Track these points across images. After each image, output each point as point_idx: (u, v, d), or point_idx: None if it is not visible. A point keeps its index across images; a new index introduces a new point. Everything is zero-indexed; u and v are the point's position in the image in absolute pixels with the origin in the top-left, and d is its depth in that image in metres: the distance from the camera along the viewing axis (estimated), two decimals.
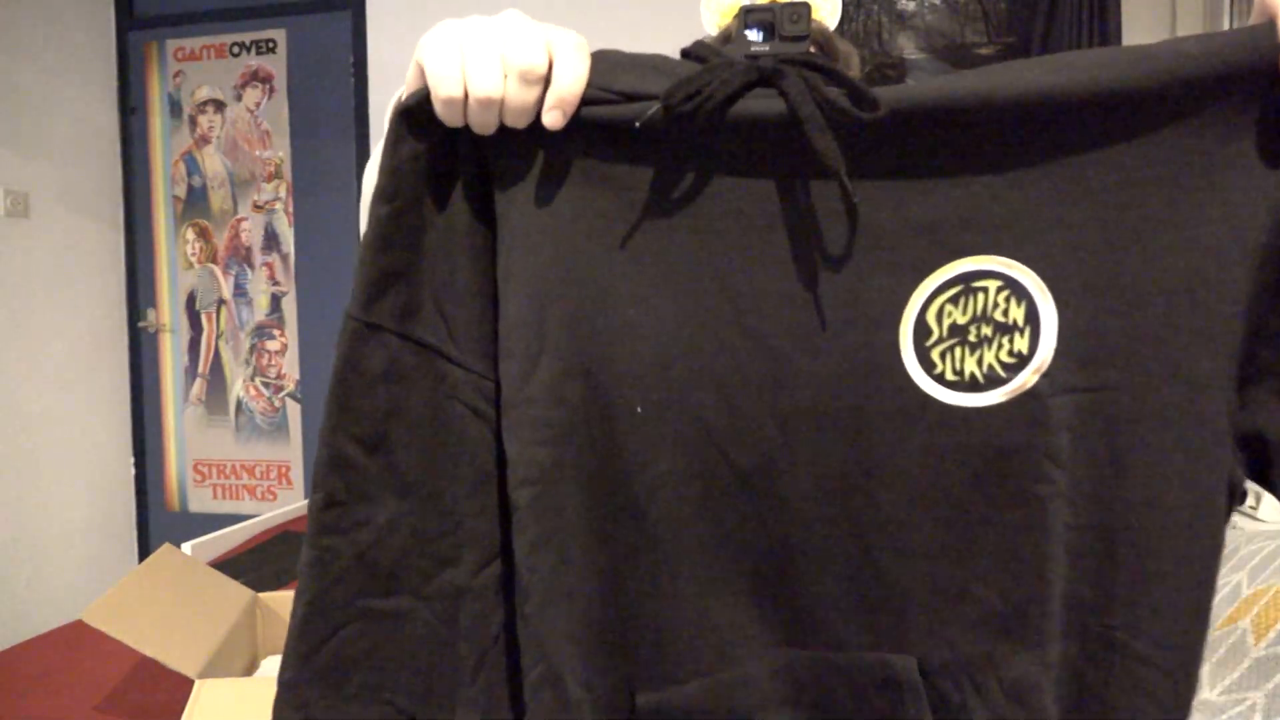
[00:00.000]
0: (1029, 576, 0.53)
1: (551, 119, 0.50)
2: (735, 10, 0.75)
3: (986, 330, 0.52)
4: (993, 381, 0.52)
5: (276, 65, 2.94)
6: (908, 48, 2.45)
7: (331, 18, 2.87)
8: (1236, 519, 1.58)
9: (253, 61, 2.96)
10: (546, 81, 0.50)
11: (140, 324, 3.08)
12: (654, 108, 0.50)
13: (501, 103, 0.50)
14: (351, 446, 0.56)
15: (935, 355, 0.52)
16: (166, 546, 1.28)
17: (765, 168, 0.53)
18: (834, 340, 0.53)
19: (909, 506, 0.54)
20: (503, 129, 0.52)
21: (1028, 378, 0.52)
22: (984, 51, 2.41)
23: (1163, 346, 0.51)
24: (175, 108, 3.02)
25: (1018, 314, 0.51)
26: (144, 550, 3.13)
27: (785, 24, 0.55)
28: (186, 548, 1.88)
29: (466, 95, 0.50)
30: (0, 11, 2.63)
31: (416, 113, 0.52)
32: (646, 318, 0.54)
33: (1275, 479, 0.54)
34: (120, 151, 3.06)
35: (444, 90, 0.50)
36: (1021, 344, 0.52)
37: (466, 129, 0.52)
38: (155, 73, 3.03)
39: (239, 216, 2.99)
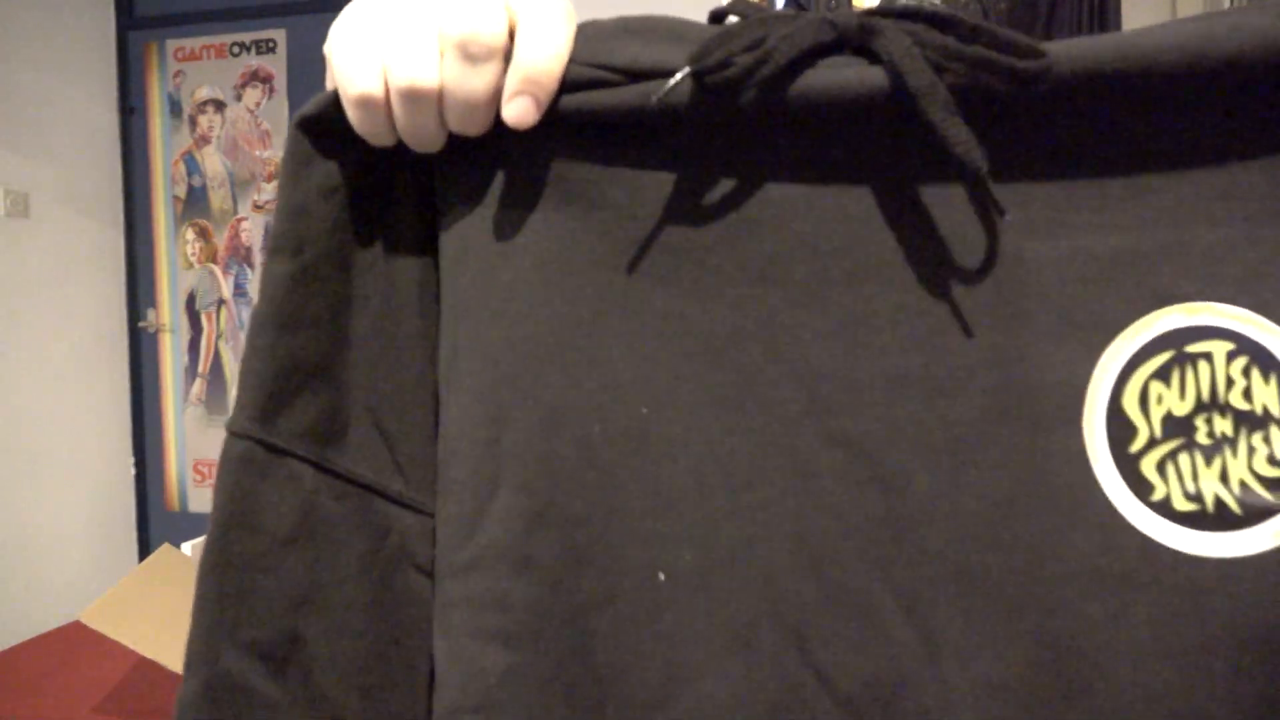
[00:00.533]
0: None
1: (517, 110, 0.32)
2: None
3: (1224, 425, 0.32)
4: (1255, 511, 0.31)
5: (276, 65, 2.94)
6: None
7: (331, 18, 2.82)
8: None
9: (253, 61, 2.95)
10: (508, 60, 0.33)
11: (140, 324, 3.08)
12: (677, 78, 0.31)
13: (440, 95, 0.33)
14: (244, 662, 0.34)
15: (1149, 469, 0.32)
16: (166, 546, 1.28)
17: (851, 176, 0.34)
18: (982, 449, 0.33)
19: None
20: (455, 144, 0.35)
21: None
22: None
23: None
24: (175, 108, 3.02)
25: (1268, 397, 0.32)
26: (144, 550, 3.13)
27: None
28: (186, 548, 1.88)
29: (389, 91, 0.33)
30: (0, 11, 2.63)
31: (325, 125, 0.35)
32: (669, 423, 0.34)
33: None
34: (120, 151, 3.06)
35: (355, 86, 0.33)
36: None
37: (405, 148, 0.35)
38: (155, 73, 3.03)
39: (239, 216, 2.99)
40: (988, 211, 0.32)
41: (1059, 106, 0.32)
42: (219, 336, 3.04)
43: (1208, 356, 0.32)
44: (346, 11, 0.36)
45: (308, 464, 0.36)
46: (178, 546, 1.39)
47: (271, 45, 2.94)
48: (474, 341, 0.35)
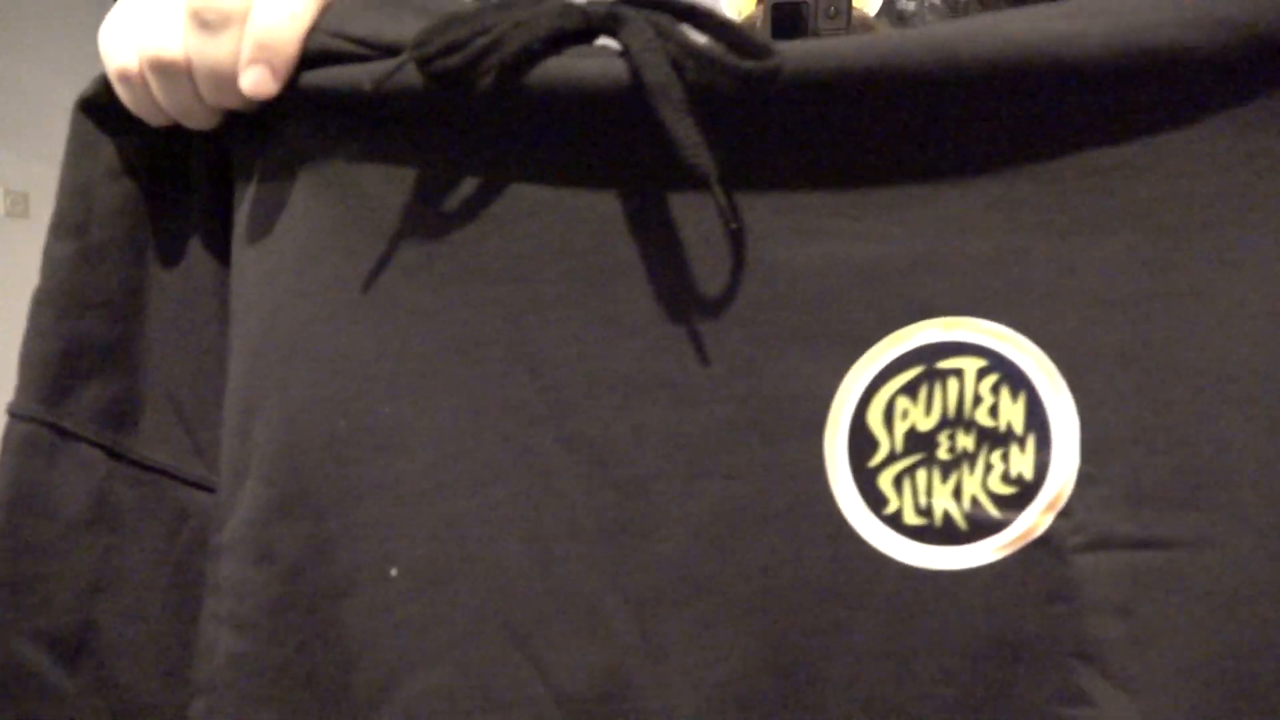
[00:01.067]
0: None
1: (252, 79, 0.31)
2: None
3: (966, 441, 0.31)
4: (981, 527, 0.31)
5: None
6: None
7: None
8: None
9: None
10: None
11: None
12: (396, 62, 0.30)
13: (190, 67, 0.32)
14: (33, 652, 0.34)
15: (885, 484, 0.32)
16: None
17: (602, 174, 0.33)
18: (721, 458, 0.32)
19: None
20: (241, 125, 0.34)
21: (1036, 519, 0.31)
22: None
23: (1274, 469, 0.30)
24: None
25: (1014, 415, 0.31)
26: None
27: (820, 18, 0.38)
28: None
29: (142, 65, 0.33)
30: (0, 12, 2.63)
31: (106, 107, 0.35)
32: (411, 419, 0.33)
33: None
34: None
35: (113, 62, 0.34)
36: (1023, 464, 0.31)
37: (199, 136, 0.35)
38: None
39: None
40: (727, 218, 0.31)
41: (816, 110, 0.31)
42: None
43: (958, 373, 0.31)
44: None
45: (100, 449, 0.35)
46: None
47: None
48: (239, 330, 0.35)
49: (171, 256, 0.37)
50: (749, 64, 0.29)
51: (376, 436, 0.33)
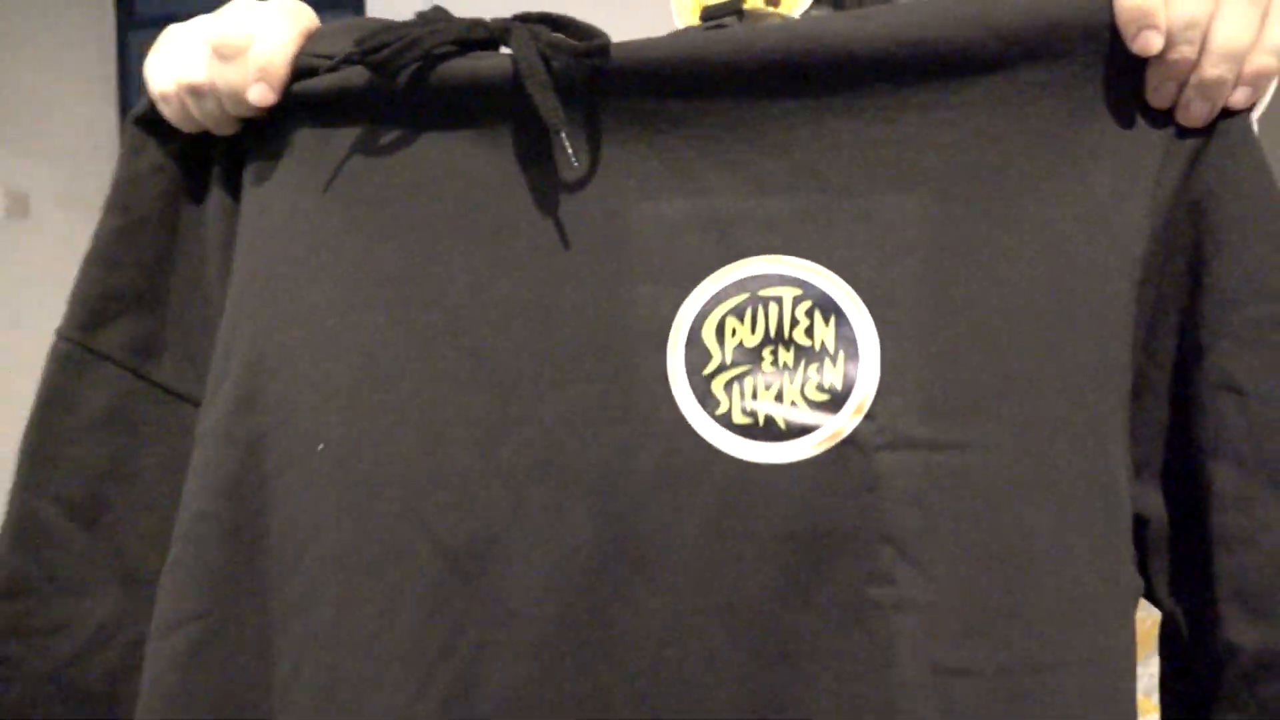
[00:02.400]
0: None
1: (256, 93, 0.44)
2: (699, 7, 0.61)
3: (786, 356, 0.38)
4: (798, 427, 0.37)
5: None
6: None
7: (331, 17, 2.85)
8: None
9: None
10: None
11: None
12: (336, 60, 0.42)
13: (212, 87, 0.45)
14: (52, 510, 0.43)
15: (718, 388, 0.38)
16: None
17: (494, 146, 0.42)
18: (581, 365, 0.40)
19: (693, 620, 0.37)
20: (250, 126, 0.46)
21: (844, 422, 0.37)
22: None
23: (1040, 387, 0.36)
24: None
25: (825, 335, 0.37)
26: None
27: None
28: None
29: (178, 88, 0.46)
30: (0, 12, 2.63)
31: (152, 120, 0.48)
32: (343, 334, 0.42)
33: (1155, 569, 0.41)
34: (120, 152, 3.06)
35: (155, 85, 0.47)
36: (834, 376, 0.37)
37: (223, 140, 0.47)
38: None
39: None
40: (606, 175, 0.41)
41: (661, 93, 0.40)
42: None
43: (778, 300, 0.38)
44: (158, 39, 0.49)
45: (126, 370, 0.46)
46: None
47: None
48: (235, 272, 0.46)
49: (193, 229, 0.48)
50: (581, 45, 0.39)
51: (316, 347, 0.43)
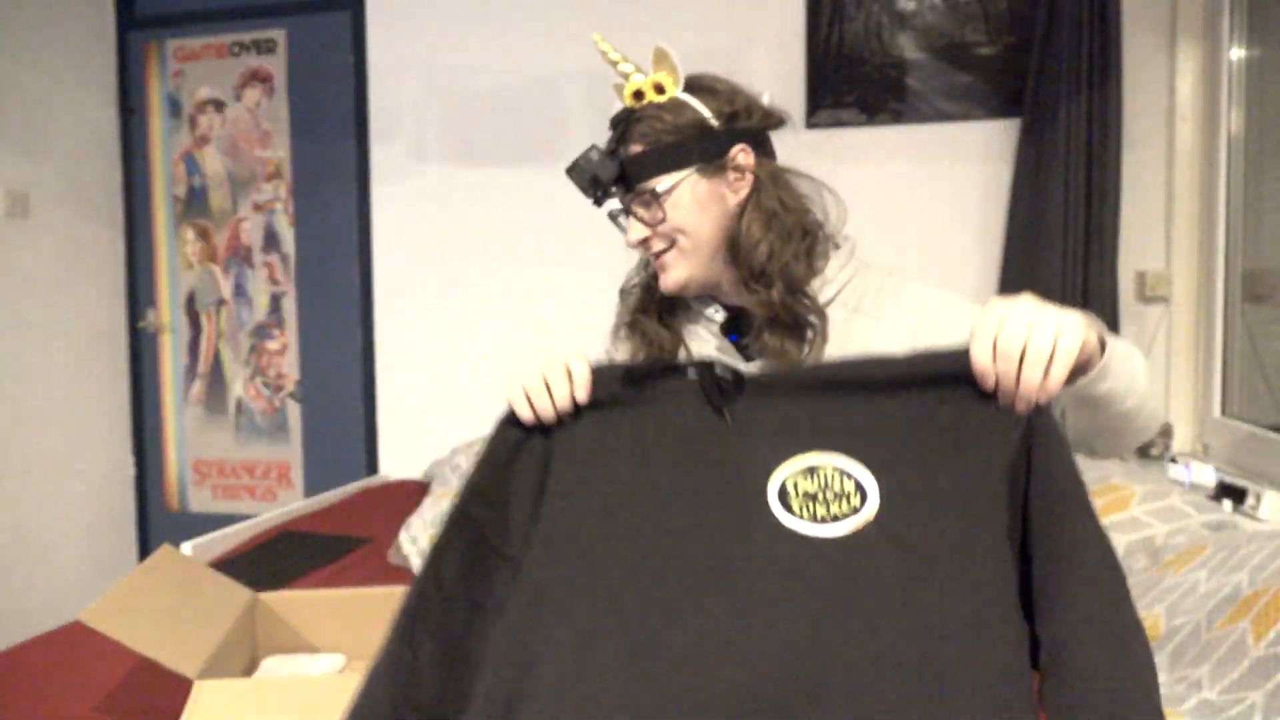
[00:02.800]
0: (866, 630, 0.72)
1: (581, 394, 0.86)
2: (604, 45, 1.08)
3: (829, 495, 0.76)
4: (837, 522, 0.75)
5: (276, 65, 2.94)
6: (908, 47, 2.44)
7: (331, 18, 2.87)
8: (1237, 519, 1.58)
9: (253, 61, 2.95)
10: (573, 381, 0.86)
11: (140, 324, 3.08)
12: (618, 373, 0.87)
13: (553, 404, 0.86)
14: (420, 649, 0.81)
15: (795, 506, 0.77)
16: (166, 546, 1.28)
17: (690, 418, 0.84)
18: (726, 495, 0.79)
19: (777, 589, 0.74)
20: (563, 421, 0.87)
21: (861, 523, 0.74)
22: (984, 51, 2.41)
23: (951, 522, 0.73)
24: (175, 108, 3.02)
25: (850, 487, 0.76)
26: (144, 550, 3.13)
27: (597, 164, 1.02)
28: (186, 548, 1.88)
29: (534, 408, 0.86)
30: (0, 11, 2.63)
31: (512, 418, 0.87)
32: (611, 515, 0.82)
33: (1044, 689, 0.67)
34: (120, 151, 3.06)
35: (522, 414, 0.86)
36: (856, 502, 0.75)
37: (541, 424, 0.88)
38: (155, 73, 3.03)
39: (239, 216, 2.99)
40: (744, 429, 0.82)
41: (767, 391, 0.83)
42: (219, 336, 3.04)
43: (824, 469, 0.77)
44: (506, 378, 0.88)
45: (484, 535, 0.84)
46: (177, 546, 1.39)
47: (271, 45, 2.94)
48: (551, 482, 0.86)
49: (525, 474, 0.86)
50: (728, 370, 0.83)
51: (617, 523, 0.81)
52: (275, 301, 2.98)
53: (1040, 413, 0.72)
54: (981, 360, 0.73)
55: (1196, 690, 1.00)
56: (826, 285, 1.05)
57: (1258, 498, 1.63)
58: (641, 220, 1.04)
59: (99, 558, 2.96)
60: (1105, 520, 1.52)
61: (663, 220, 1.03)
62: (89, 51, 2.96)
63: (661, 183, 1.02)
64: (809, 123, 2.46)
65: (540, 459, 0.86)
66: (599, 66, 1.10)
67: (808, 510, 0.75)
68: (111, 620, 1.05)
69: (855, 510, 0.74)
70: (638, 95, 1.03)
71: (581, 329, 3.01)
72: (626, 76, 1.04)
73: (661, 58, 1.02)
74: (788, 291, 1.00)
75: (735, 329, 1.09)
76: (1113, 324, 2.24)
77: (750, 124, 1.04)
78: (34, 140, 2.74)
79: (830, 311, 1.02)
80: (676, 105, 1.02)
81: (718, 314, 1.10)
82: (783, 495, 0.77)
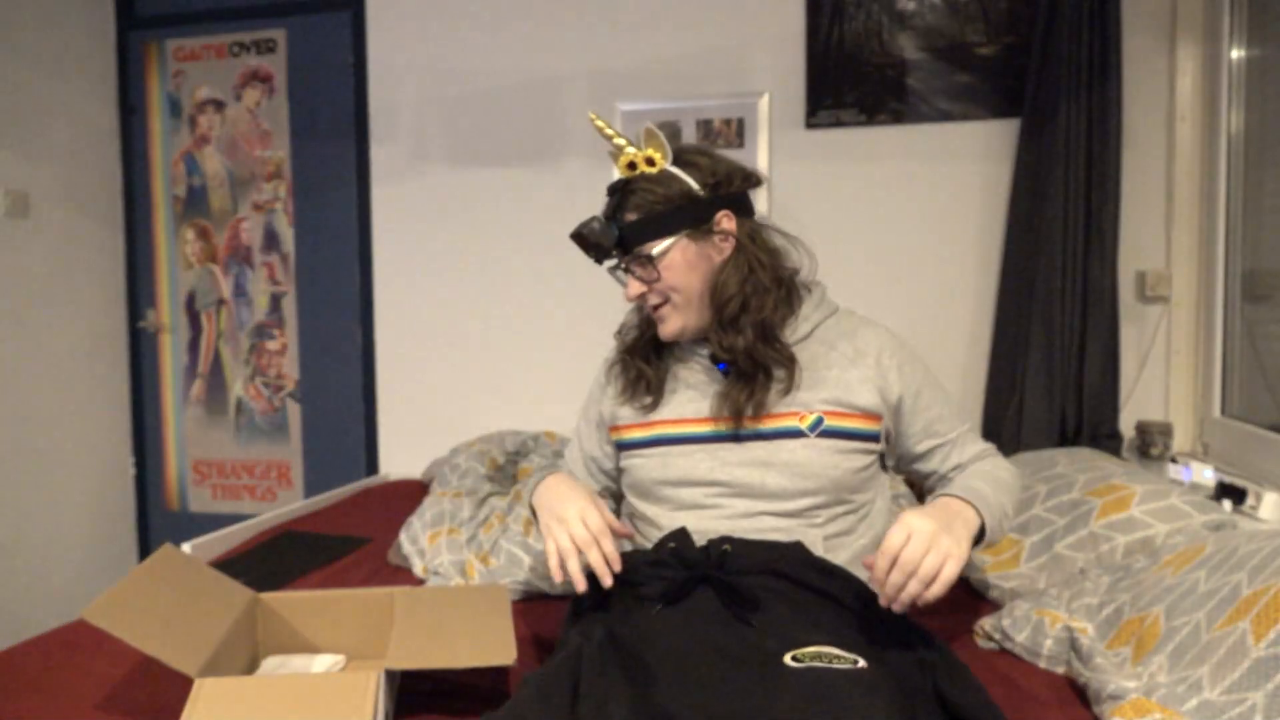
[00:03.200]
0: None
1: (609, 567, 1.12)
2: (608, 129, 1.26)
3: (831, 654, 0.96)
4: (820, 661, 0.96)
5: (276, 65, 2.94)
6: (908, 48, 2.45)
7: (331, 18, 2.87)
8: (1237, 519, 1.58)
9: (252, 61, 2.95)
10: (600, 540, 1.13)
11: (140, 324, 3.08)
12: (625, 567, 1.16)
13: (583, 559, 1.11)
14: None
15: (805, 660, 0.96)
16: (166, 546, 1.28)
17: (696, 601, 1.11)
18: (737, 669, 0.97)
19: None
20: (597, 589, 1.14)
21: (830, 661, 0.96)
22: (983, 51, 2.41)
23: (890, 666, 0.99)
24: (175, 108, 3.02)
25: (836, 652, 0.97)
26: (144, 550, 3.13)
27: (599, 232, 1.19)
28: (186, 548, 1.88)
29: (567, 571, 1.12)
30: (0, 12, 2.63)
31: (579, 597, 1.17)
32: (668, 658, 1.00)
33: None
34: (120, 151, 3.06)
35: (556, 574, 1.12)
36: (833, 658, 0.96)
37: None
38: (155, 73, 3.03)
39: (239, 216, 2.99)
40: (747, 621, 1.08)
41: (767, 584, 1.14)
42: (219, 336, 3.04)
43: (822, 649, 0.98)
44: (542, 519, 1.22)
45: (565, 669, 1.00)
46: (177, 546, 1.39)
47: (271, 45, 2.94)
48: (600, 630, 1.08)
49: (584, 630, 1.09)
50: (744, 606, 1.11)
51: (644, 659, 1.03)
52: (275, 301, 2.98)
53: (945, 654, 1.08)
54: (880, 569, 1.03)
55: (1197, 691, 1.00)
56: (802, 323, 1.27)
57: (1257, 498, 1.63)
58: (639, 278, 1.23)
59: (99, 557, 2.96)
60: (1105, 520, 1.53)
61: (657, 279, 1.21)
62: (89, 51, 2.96)
63: (656, 247, 1.20)
64: (809, 123, 2.45)
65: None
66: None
67: (811, 660, 0.97)
68: (113, 618, 1.05)
69: (830, 660, 0.98)
70: (631, 166, 1.20)
71: (581, 328, 3.01)
72: (621, 149, 1.21)
73: (651, 136, 1.19)
74: (759, 339, 1.20)
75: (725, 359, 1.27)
76: (1113, 324, 2.24)
77: (731, 189, 1.22)
78: (34, 140, 2.74)
79: (810, 345, 1.26)
80: (666, 178, 1.19)
81: (704, 349, 1.28)
82: (795, 658, 0.98)
